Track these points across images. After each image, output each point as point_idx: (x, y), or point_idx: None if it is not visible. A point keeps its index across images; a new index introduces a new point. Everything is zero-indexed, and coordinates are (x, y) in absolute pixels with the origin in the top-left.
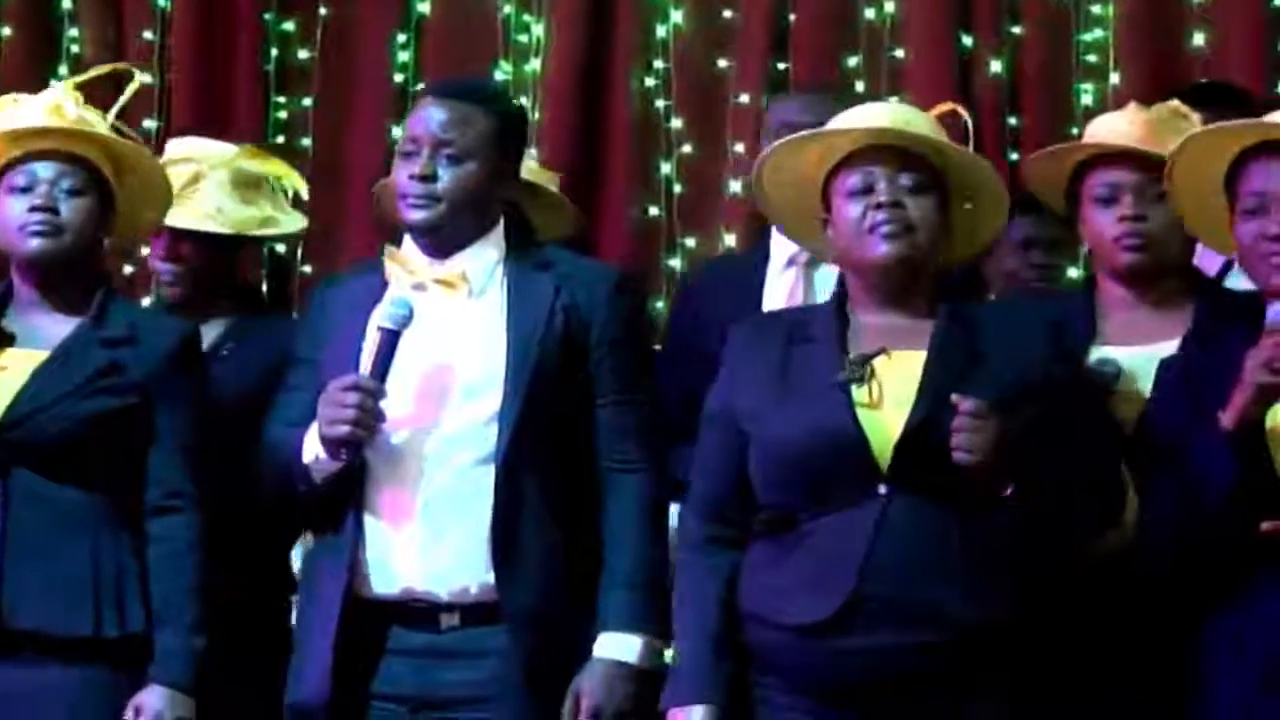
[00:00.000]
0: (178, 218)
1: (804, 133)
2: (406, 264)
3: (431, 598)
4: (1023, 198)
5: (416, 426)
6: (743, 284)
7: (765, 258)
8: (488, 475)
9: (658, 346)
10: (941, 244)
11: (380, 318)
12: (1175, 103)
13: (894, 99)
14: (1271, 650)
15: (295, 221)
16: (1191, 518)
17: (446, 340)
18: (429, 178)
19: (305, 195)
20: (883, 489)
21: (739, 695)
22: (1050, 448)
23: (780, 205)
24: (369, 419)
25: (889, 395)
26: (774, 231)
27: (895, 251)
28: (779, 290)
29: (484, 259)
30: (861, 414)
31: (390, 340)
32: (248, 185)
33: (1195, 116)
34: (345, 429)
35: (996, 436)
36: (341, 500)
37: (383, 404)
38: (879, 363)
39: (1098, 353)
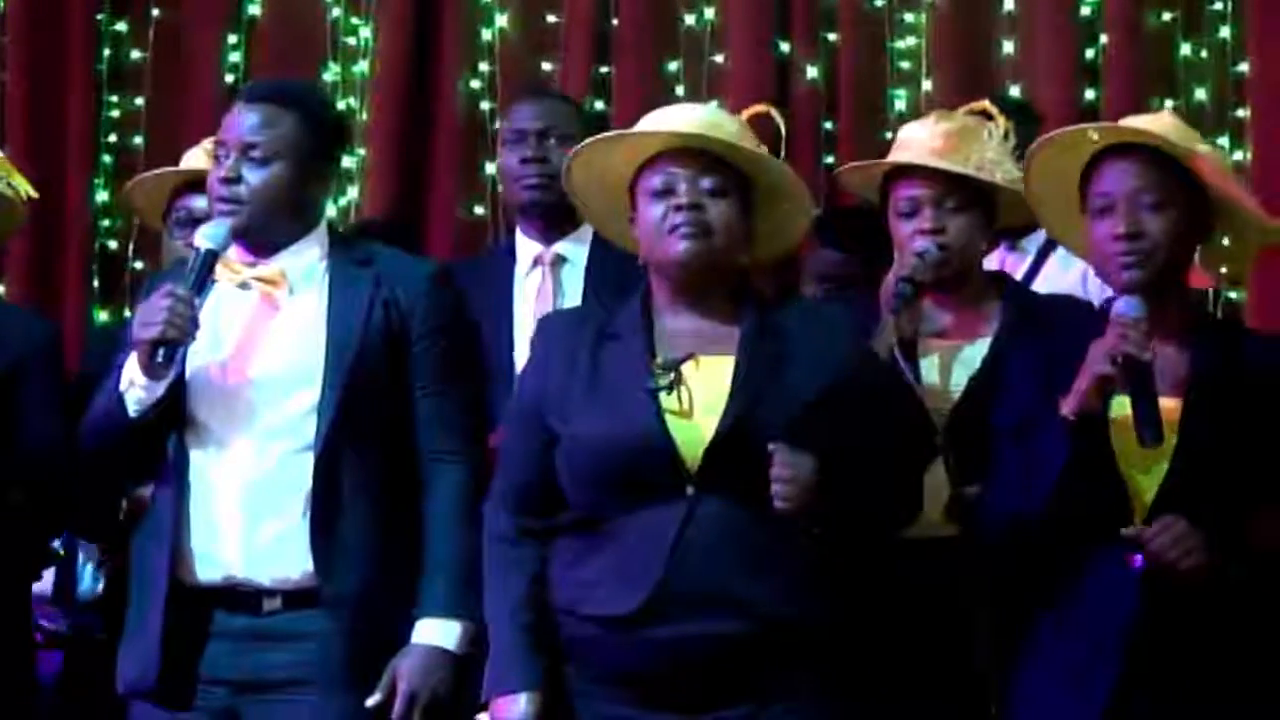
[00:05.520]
0: None
1: (612, 133)
2: (230, 263)
3: (253, 584)
4: (824, 231)
5: (238, 418)
6: (492, 284)
7: (512, 258)
8: (307, 464)
9: None
10: (743, 248)
11: (199, 237)
12: (984, 103)
13: (713, 103)
14: (1097, 620)
15: (8, 189)
16: (1026, 501)
17: (268, 336)
18: (234, 180)
19: (33, 194)
20: (690, 490)
21: (557, 688)
22: (853, 457)
23: (592, 203)
24: (182, 322)
25: (698, 403)
26: (519, 232)
27: (693, 250)
28: (528, 290)
29: (304, 257)
30: (671, 421)
31: (208, 258)
32: None
33: (1002, 119)
34: (158, 328)
35: (809, 480)
36: (164, 478)
37: (204, 399)
38: (687, 369)
39: (934, 344)
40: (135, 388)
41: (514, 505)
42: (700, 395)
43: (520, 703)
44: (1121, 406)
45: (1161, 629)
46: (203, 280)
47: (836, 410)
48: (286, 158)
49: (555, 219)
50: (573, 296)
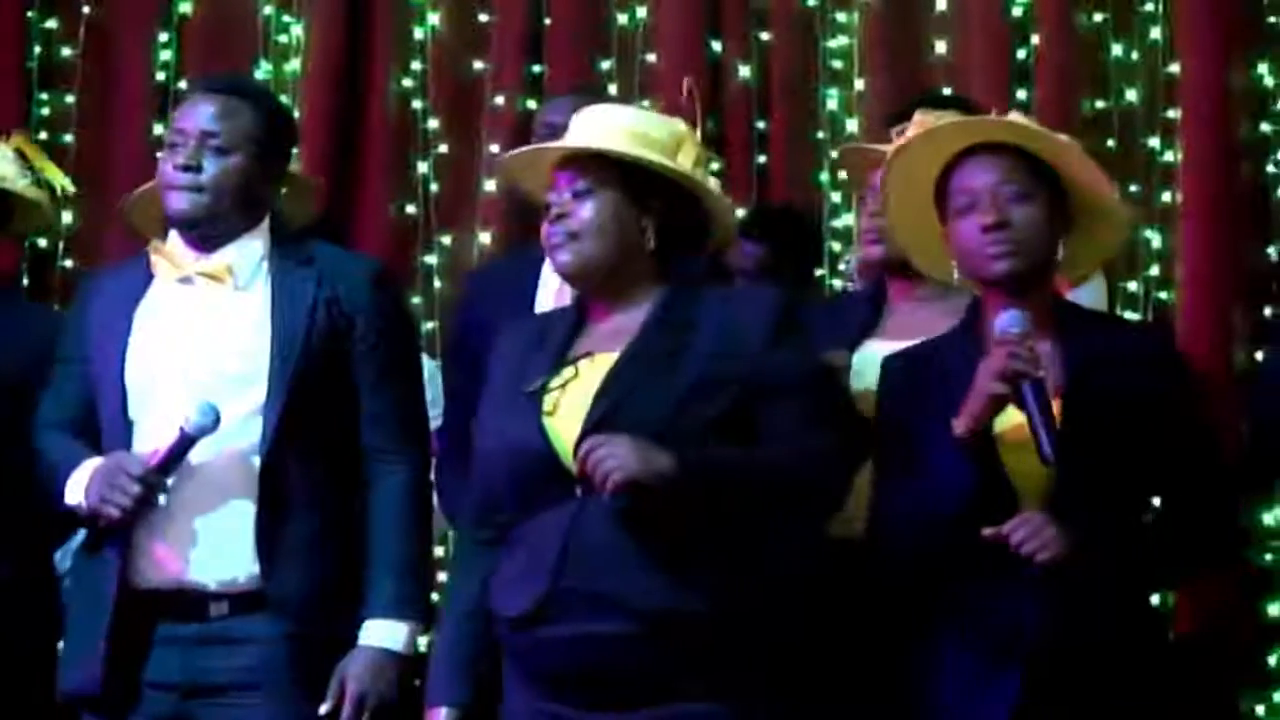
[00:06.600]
0: None
1: (529, 148)
2: (172, 258)
3: (200, 587)
4: (749, 226)
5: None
6: (516, 285)
7: (541, 258)
8: (253, 466)
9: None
10: (628, 240)
11: (184, 419)
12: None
13: (645, 102)
14: (1000, 626)
15: (32, 188)
16: (929, 522)
17: (213, 334)
18: (193, 168)
19: (71, 188)
20: (579, 490)
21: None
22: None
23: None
24: (142, 509)
25: (576, 402)
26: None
27: (561, 260)
28: (549, 290)
29: (249, 252)
30: (548, 425)
31: (185, 444)
32: None
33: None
34: (116, 513)
35: (630, 448)
36: None
37: (150, 400)
38: (584, 366)
39: (871, 346)
40: (81, 510)
41: (472, 517)
42: (579, 396)
43: (441, 717)
44: (1004, 418)
45: (1061, 636)
46: (174, 465)
47: (738, 400)
48: (244, 150)
49: None
50: None
